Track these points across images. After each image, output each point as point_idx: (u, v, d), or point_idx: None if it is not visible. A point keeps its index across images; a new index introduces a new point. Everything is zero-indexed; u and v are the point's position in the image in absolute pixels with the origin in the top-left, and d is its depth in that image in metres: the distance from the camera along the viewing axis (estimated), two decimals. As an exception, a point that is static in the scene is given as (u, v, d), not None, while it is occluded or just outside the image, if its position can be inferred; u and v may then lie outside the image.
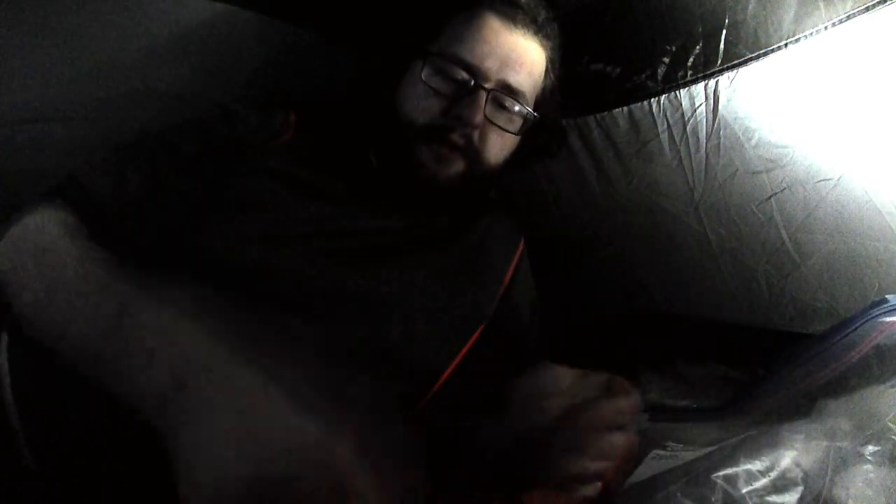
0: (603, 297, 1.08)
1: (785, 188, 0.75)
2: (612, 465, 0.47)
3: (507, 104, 0.69)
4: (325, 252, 0.63)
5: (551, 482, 0.48)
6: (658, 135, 0.85)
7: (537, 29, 0.70)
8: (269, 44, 0.86)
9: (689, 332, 0.93)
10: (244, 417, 0.34)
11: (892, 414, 0.47)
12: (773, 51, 0.71)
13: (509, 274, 0.78)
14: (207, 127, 0.67)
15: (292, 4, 0.85)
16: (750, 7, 0.71)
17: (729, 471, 0.45)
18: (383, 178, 0.71)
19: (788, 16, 0.68)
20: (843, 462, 0.45)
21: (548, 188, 1.05)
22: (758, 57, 0.72)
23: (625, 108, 0.87)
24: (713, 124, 0.79)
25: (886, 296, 0.59)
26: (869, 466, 0.44)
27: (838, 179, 0.70)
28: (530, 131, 0.73)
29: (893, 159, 0.66)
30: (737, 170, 0.78)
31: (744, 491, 0.43)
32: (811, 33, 0.67)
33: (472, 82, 0.66)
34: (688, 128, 0.81)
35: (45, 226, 0.52)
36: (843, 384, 0.55)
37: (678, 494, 0.46)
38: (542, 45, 0.71)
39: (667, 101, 0.82)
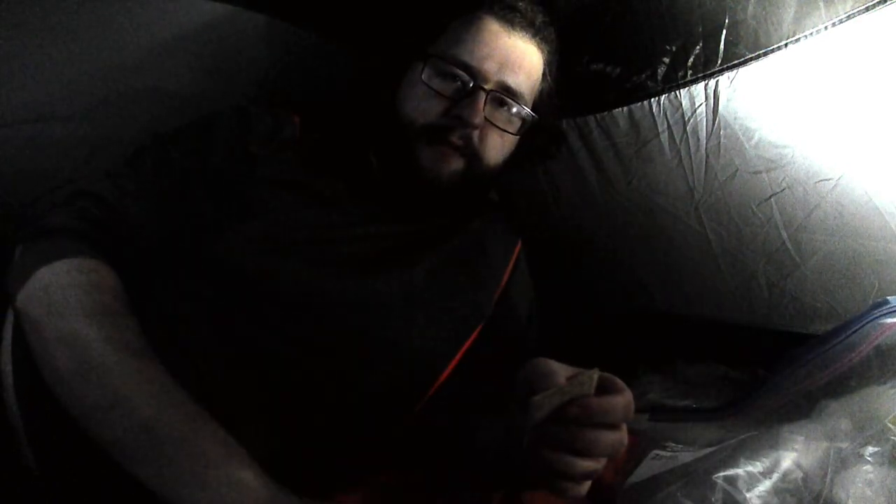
0: (603, 297, 1.08)
1: (785, 188, 0.75)
2: (601, 463, 0.47)
3: (506, 105, 0.69)
4: (325, 254, 0.63)
5: (540, 480, 0.48)
6: (658, 135, 0.85)
7: (535, 32, 0.71)
8: (270, 45, 0.86)
9: (689, 332, 0.93)
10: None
11: (892, 415, 0.47)
12: (773, 51, 0.70)
13: (507, 274, 0.78)
14: (222, 125, 0.67)
15: (293, 5, 0.85)
16: (750, 7, 0.71)
17: (729, 471, 0.45)
18: (383, 180, 0.72)
19: (788, 16, 0.68)
20: (843, 462, 0.45)
21: (548, 188, 1.05)
22: (758, 57, 0.72)
23: (625, 108, 0.87)
24: (713, 124, 0.79)
25: (887, 297, 0.60)
26: (869, 467, 0.44)
27: (838, 179, 0.70)
28: (528, 132, 0.73)
29: (893, 159, 0.66)
30: (737, 170, 0.78)
31: (744, 491, 0.43)
32: (811, 33, 0.67)
33: (472, 83, 0.67)
34: (688, 128, 0.81)
35: (80, 283, 0.51)
36: (843, 385, 0.55)
37: (678, 494, 0.46)
38: (540, 48, 0.72)
39: (667, 101, 0.82)
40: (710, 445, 0.54)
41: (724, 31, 0.73)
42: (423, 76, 0.67)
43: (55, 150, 0.71)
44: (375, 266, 0.65)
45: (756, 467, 0.45)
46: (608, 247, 1.00)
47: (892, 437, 0.45)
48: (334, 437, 0.57)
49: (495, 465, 0.56)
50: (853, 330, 0.58)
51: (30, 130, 0.69)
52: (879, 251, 0.69)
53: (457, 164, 0.68)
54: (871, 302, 0.68)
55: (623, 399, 0.47)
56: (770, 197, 0.76)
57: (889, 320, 0.56)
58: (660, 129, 0.84)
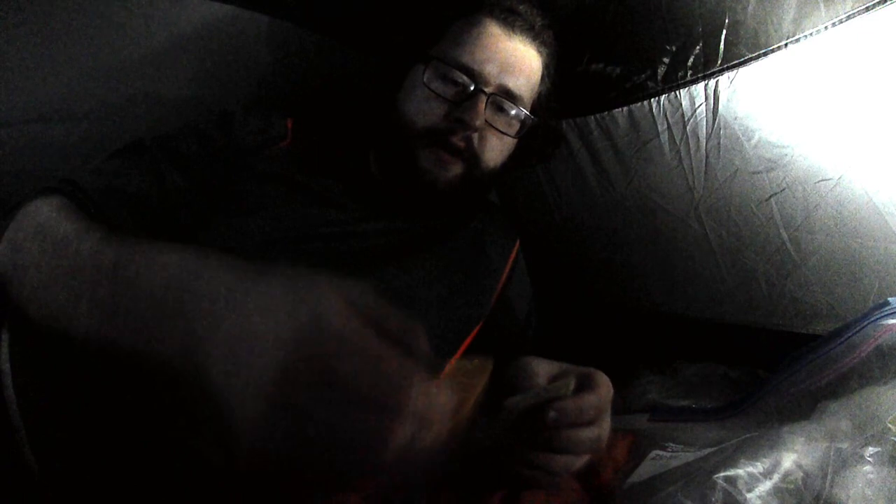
0: (603, 297, 1.08)
1: (785, 188, 0.75)
2: (577, 460, 0.48)
3: (506, 108, 0.70)
4: (323, 254, 0.63)
5: (517, 475, 0.49)
6: (658, 135, 0.85)
7: (535, 36, 0.72)
8: (272, 46, 0.86)
9: (689, 332, 0.93)
10: (263, 314, 0.34)
11: (893, 415, 0.47)
12: (773, 51, 0.71)
13: (505, 273, 0.79)
14: (208, 130, 0.67)
15: (296, 5, 0.85)
16: (750, 7, 0.71)
17: (729, 472, 0.45)
18: (382, 181, 0.72)
19: (788, 16, 0.68)
20: (843, 463, 0.45)
21: (548, 188, 1.05)
22: (758, 57, 0.72)
23: (625, 108, 0.87)
24: (713, 124, 0.79)
25: (888, 298, 0.60)
26: (869, 467, 0.44)
27: (838, 179, 0.70)
28: (527, 135, 0.74)
29: (893, 159, 0.66)
30: (737, 170, 0.78)
31: (744, 492, 0.43)
32: (811, 33, 0.67)
33: (473, 86, 0.67)
34: (688, 128, 0.81)
35: (41, 207, 0.51)
36: (843, 385, 0.55)
37: (678, 494, 0.46)
38: (539, 51, 0.73)
39: (667, 101, 0.82)
40: (710, 446, 0.54)
41: (724, 31, 0.74)
42: (424, 78, 0.68)
43: (55, 150, 0.71)
44: (373, 264, 0.65)
45: (756, 468, 0.45)
46: (608, 247, 1.00)
47: (893, 438, 0.45)
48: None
49: (490, 463, 0.56)
50: (854, 331, 0.58)
51: (30, 130, 0.69)
52: (879, 251, 0.69)
53: (456, 166, 0.69)
54: (871, 302, 0.68)
55: (597, 396, 0.47)
56: (770, 197, 0.76)
57: (889, 321, 0.56)
58: (660, 129, 0.84)
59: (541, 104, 0.76)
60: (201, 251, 0.39)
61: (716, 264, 0.86)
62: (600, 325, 1.09)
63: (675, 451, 0.56)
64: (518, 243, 0.84)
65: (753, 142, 0.76)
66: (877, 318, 0.57)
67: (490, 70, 0.67)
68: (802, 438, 0.47)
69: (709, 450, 0.53)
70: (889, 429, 0.46)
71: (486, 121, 0.68)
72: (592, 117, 0.91)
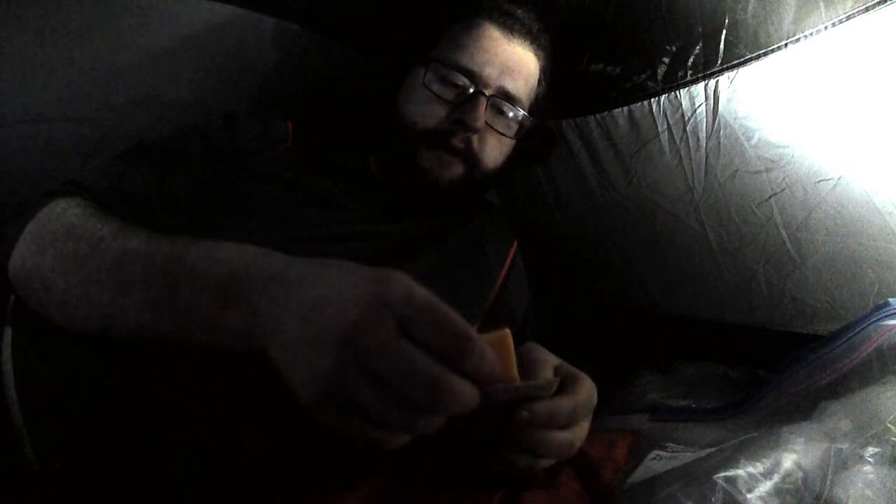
0: (603, 297, 1.08)
1: (785, 188, 0.75)
2: (542, 461, 0.48)
3: (505, 110, 0.71)
4: (323, 255, 0.63)
5: (500, 469, 0.49)
6: (658, 135, 0.85)
7: (533, 39, 0.73)
8: (272, 47, 0.86)
9: (689, 332, 0.93)
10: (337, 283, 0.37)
11: (893, 416, 0.47)
12: (773, 51, 0.71)
13: (503, 273, 0.80)
14: (209, 132, 0.67)
15: (296, 6, 0.85)
16: (750, 7, 0.71)
17: (730, 472, 0.45)
18: (382, 182, 0.73)
19: (788, 16, 0.68)
20: (843, 463, 0.45)
21: (548, 188, 1.05)
22: (758, 57, 0.72)
23: (625, 108, 0.87)
24: (713, 124, 0.79)
25: (888, 299, 0.60)
26: (869, 468, 0.44)
27: (838, 179, 0.70)
28: (524, 136, 0.75)
29: (893, 159, 0.66)
30: (737, 170, 0.78)
31: (745, 492, 0.43)
32: (811, 33, 0.67)
33: (473, 88, 0.68)
34: (688, 128, 0.81)
35: (67, 210, 0.51)
36: (843, 386, 0.55)
37: (678, 495, 0.46)
38: (537, 54, 0.74)
39: (667, 101, 0.82)
40: (710, 446, 0.54)
41: (724, 31, 0.74)
42: (424, 80, 0.68)
43: (55, 151, 0.71)
44: (372, 264, 0.65)
45: (756, 468, 0.45)
46: (608, 247, 1.01)
47: (893, 438, 0.45)
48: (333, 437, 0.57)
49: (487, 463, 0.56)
50: (854, 332, 0.58)
51: (30, 130, 0.69)
52: (879, 251, 0.69)
53: (456, 167, 0.70)
54: (871, 303, 0.68)
55: (573, 400, 0.47)
56: (770, 197, 0.76)
57: (890, 322, 0.56)
58: (660, 129, 0.84)
59: (538, 106, 0.76)
60: (252, 247, 0.42)
61: (716, 264, 0.86)
62: (600, 325, 1.09)
63: (675, 452, 0.56)
64: (516, 244, 0.85)
65: (753, 142, 0.76)
66: (877, 319, 0.57)
67: (490, 72, 0.68)
68: (802, 439, 0.47)
69: (709, 450, 0.53)
70: (889, 429, 0.46)
71: (485, 122, 0.68)
72: (592, 117, 0.91)
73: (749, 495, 0.43)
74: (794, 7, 0.68)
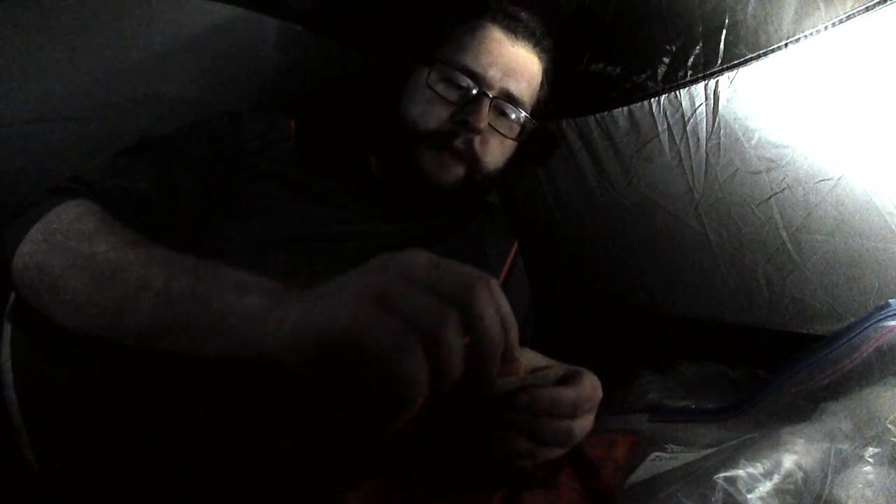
0: (603, 297, 1.08)
1: (785, 188, 0.75)
2: (542, 450, 0.48)
3: (507, 111, 0.71)
4: (323, 254, 0.63)
5: (494, 456, 0.49)
6: (658, 135, 0.85)
7: (536, 42, 0.73)
8: (274, 47, 0.86)
9: (689, 332, 0.93)
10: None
11: (893, 416, 0.47)
12: (773, 51, 0.71)
13: (503, 274, 0.80)
14: (212, 130, 0.67)
15: (298, 7, 0.85)
16: (750, 7, 0.71)
17: (730, 472, 0.45)
18: (382, 182, 0.73)
19: (788, 16, 0.68)
20: (843, 463, 0.45)
21: (548, 188, 1.05)
22: (758, 57, 0.72)
23: (625, 108, 0.87)
24: (713, 124, 0.79)
25: (889, 300, 0.60)
26: (869, 468, 0.44)
27: (838, 179, 0.70)
28: (526, 138, 0.75)
29: (893, 159, 0.66)
30: (737, 170, 0.78)
31: (745, 492, 0.43)
32: (811, 33, 0.67)
33: (476, 90, 0.68)
34: (688, 128, 0.81)
35: (85, 212, 0.51)
36: (844, 386, 0.55)
37: (678, 495, 0.46)
38: (540, 57, 0.75)
39: (667, 101, 0.82)
40: (710, 446, 0.54)
41: (724, 31, 0.74)
42: (427, 81, 0.69)
43: (55, 150, 0.71)
44: None
45: (757, 468, 0.45)
46: (608, 247, 1.00)
47: (893, 438, 0.45)
48: (333, 436, 0.57)
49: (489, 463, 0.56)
50: (855, 333, 0.58)
51: (30, 130, 0.69)
52: (879, 251, 0.69)
53: (458, 168, 0.70)
54: (871, 303, 0.68)
55: (575, 391, 0.47)
56: (770, 197, 0.76)
57: (890, 323, 0.56)
58: (660, 129, 0.84)
59: (540, 108, 0.77)
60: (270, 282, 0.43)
61: (716, 264, 0.86)
62: (600, 325, 1.09)
63: (675, 452, 0.56)
64: (516, 244, 0.85)
65: (753, 142, 0.76)
66: (877, 320, 0.57)
67: (493, 74, 0.69)
68: (802, 439, 0.47)
69: (709, 450, 0.53)
70: (889, 429, 0.46)
71: (488, 124, 0.68)
72: (592, 117, 0.91)
73: (749, 496, 0.43)
74: (794, 7, 0.68)
